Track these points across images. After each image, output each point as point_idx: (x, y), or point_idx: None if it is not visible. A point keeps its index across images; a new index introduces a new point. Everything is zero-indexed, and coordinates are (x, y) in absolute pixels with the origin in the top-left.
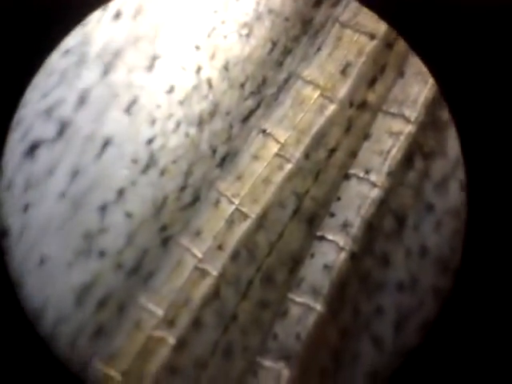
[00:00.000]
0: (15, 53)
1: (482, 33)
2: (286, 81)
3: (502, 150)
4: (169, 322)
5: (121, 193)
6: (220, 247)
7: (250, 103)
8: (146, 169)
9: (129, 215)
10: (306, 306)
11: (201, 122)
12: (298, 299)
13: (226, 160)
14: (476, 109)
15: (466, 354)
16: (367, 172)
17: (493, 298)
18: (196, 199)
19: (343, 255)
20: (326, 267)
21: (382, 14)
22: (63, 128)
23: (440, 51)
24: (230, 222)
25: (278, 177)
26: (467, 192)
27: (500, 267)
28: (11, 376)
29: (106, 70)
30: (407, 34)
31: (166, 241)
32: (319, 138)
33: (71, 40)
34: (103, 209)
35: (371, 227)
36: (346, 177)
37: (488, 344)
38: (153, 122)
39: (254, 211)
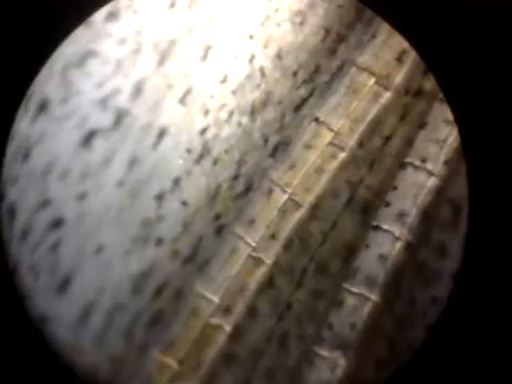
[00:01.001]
0: (15, 53)
1: (489, 37)
2: (340, 68)
3: None
4: (225, 310)
5: (176, 182)
6: (273, 236)
7: (303, 92)
8: (199, 158)
9: (184, 204)
10: (361, 296)
11: (253, 112)
12: (354, 289)
13: (278, 149)
14: (479, 108)
15: (474, 354)
16: (423, 161)
17: (497, 295)
18: (249, 188)
19: (399, 245)
20: (382, 257)
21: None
22: (120, 118)
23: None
24: (283, 211)
25: (332, 166)
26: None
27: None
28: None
29: (161, 60)
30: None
31: (219, 229)
32: (374, 126)
33: (125, 28)
34: (160, 197)
35: (427, 217)
36: (402, 165)
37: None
38: (206, 111)
39: (306, 200)
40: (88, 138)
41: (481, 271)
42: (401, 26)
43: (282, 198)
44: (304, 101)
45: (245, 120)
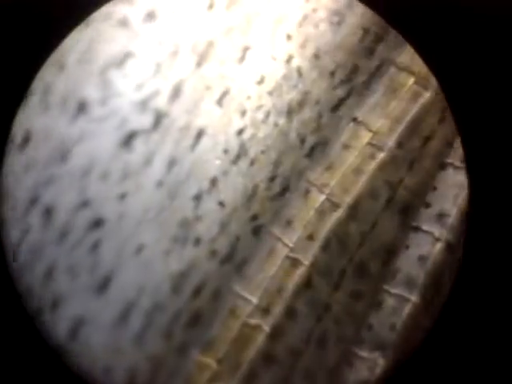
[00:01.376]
0: (16, 52)
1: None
2: (379, 68)
3: None
4: (263, 310)
5: (213, 182)
6: (311, 237)
7: (340, 92)
8: (236, 159)
9: (221, 204)
10: (401, 297)
11: (290, 112)
12: (393, 290)
13: (315, 150)
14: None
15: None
16: (464, 161)
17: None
18: (285, 189)
19: (439, 246)
20: (422, 258)
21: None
22: (159, 119)
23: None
24: (321, 212)
25: (370, 166)
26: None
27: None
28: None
29: (199, 62)
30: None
31: (257, 230)
32: (413, 127)
33: (163, 30)
34: (197, 198)
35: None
36: (442, 166)
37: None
38: (243, 112)
39: (344, 201)
40: (128, 139)
41: (483, 269)
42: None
43: (319, 198)
44: (341, 101)
45: (281, 120)
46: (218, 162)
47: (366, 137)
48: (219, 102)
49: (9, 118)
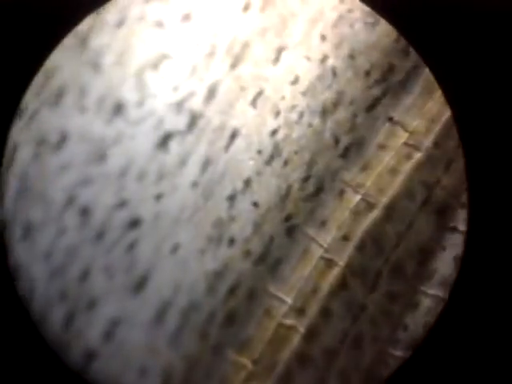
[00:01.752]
0: (17, 51)
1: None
2: (414, 69)
3: None
4: (298, 311)
5: (247, 183)
6: (345, 238)
7: (376, 91)
8: (270, 159)
9: (255, 204)
10: (437, 298)
11: (324, 112)
12: (430, 291)
13: (349, 150)
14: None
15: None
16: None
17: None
18: (320, 189)
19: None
20: (458, 259)
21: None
22: (194, 120)
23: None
24: (356, 213)
25: (406, 166)
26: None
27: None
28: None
29: (234, 63)
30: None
31: (290, 230)
32: (450, 126)
33: (199, 31)
34: (231, 198)
35: None
36: None
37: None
38: (277, 113)
39: (380, 201)
40: (164, 140)
41: (482, 270)
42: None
43: (354, 198)
44: (377, 101)
45: (315, 121)
46: (251, 162)
47: (402, 137)
48: (253, 103)
49: (9, 117)
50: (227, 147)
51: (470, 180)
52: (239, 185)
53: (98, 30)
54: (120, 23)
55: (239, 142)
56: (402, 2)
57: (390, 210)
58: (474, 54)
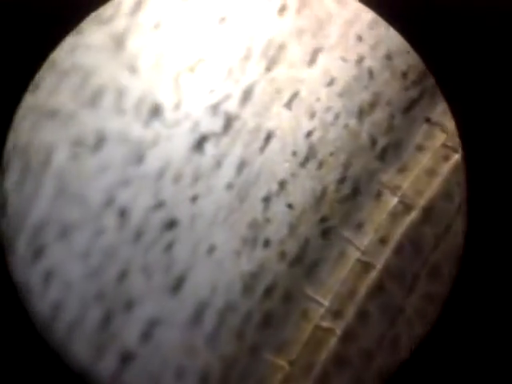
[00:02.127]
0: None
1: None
2: None
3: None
4: (335, 313)
5: (282, 184)
6: (383, 240)
7: (413, 93)
8: (305, 161)
9: (290, 206)
10: None
11: (360, 113)
12: None
13: (387, 151)
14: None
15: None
16: None
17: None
18: (356, 191)
19: None
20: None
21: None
22: (229, 122)
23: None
24: (393, 215)
25: (445, 168)
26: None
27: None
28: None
29: (270, 65)
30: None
31: (326, 232)
32: None
33: (235, 34)
34: (266, 200)
35: None
36: None
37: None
38: (312, 114)
39: (418, 204)
40: (200, 143)
41: (482, 269)
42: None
43: (391, 201)
44: (414, 102)
45: (352, 122)
46: (286, 164)
47: (440, 138)
48: (288, 105)
49: (8, 117)
50: (262, 149)
51: (470, 180)
52: (274, 186)
53: (134, 31)
54: (156, 25)
55: (274, 144)
56: (407, 5)
57: (428, 213)
58: (480, 60)
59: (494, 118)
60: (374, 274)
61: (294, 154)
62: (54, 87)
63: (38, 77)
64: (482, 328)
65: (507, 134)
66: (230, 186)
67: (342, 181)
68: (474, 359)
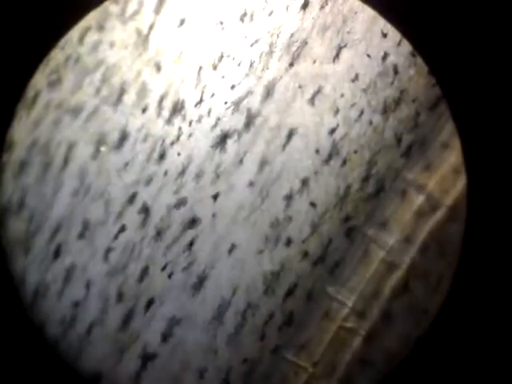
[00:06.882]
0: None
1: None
2: None
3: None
4: (358, 314)
5: (305, 182)
6: (408, 239)
7: (439, 90)
8: (328, 158)
9: (313, 204)
10: None
11: (385, 110)
12: None
13: (412, 149)
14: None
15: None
16: None
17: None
18: (380, 189)
19: None
20: None
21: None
22: (251, 119)
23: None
24: (419, 214)
25: None
26: None
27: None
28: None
29: (293, 61)
30: None
31: (350, 231)
32: None
33: (258, 29)
34: (288, 198)
35: None
36: None
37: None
38: (336, 111)
39: (444, 202)
40: (221, 140)
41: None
42: None
43: (417, 199)
44: (440, 99)
45: (376, 119)
46: (309, 161)
47: None
48: (311, 101)
49: (8, 117)
50: (284, 146)
51: (470, 180)
52: (296, 184)
53: (158, 29)
54: (180, 23)
55: (296, 141)
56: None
57: (454, 211)
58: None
59: (494, 118)
60: (398, 274)
61: (317, 151)
62: (76, 84)
63: (57, 72)
64: (481, 328)
65: (507, 134)
66: (251, 184)
67: (366, 179)
68: (474, 359)
